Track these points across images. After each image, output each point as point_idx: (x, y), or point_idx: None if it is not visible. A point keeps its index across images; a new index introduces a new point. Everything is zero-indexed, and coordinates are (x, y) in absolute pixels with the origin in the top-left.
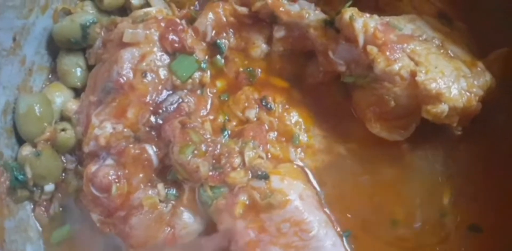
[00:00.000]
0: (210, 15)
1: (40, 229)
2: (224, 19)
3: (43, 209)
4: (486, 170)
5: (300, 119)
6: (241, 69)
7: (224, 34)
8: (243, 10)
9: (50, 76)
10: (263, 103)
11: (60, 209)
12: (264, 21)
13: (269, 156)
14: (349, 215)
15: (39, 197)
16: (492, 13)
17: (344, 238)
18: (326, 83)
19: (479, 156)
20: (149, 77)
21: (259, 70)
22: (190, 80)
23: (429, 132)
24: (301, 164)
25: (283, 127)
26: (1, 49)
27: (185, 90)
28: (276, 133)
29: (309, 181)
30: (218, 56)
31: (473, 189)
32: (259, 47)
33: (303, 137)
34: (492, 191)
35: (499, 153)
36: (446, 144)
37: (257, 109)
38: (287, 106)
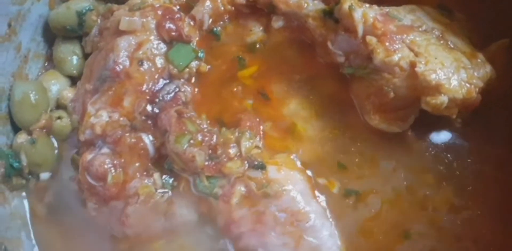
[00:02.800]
0: (208, 3)
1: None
2: (222, 7)
3: (38, 197)
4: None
5: (298, 110)
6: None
7: (221, 22)
8: (241, 0)
9: (46, 64)
10: (261, 93)
11: (55, 197)
12: (262, 10)
13: (266, 146)
14: None
15: (34, 185)
16: (493, 3)
17: None
18: (325, 73)
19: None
20: (145, 66)
21: (246, 59)
22: (187, 69)
23: (429, 124)
24: (298, 154)
25: (281, 117)
26: None
27: (182, 80)
28: (273, 123)
29: (305, 171)
30: (214, 45)
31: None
32: (256, 34)
33: (301, 127)
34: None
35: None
36: (446, 136)
37: (254, 99)
38: (285, 96)
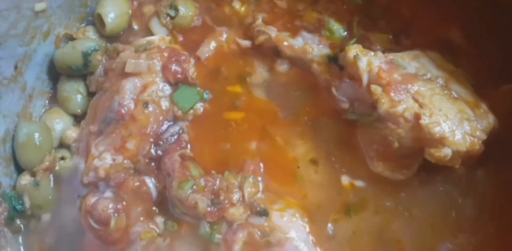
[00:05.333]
0: (213, 43)
1: None
2: (226, 47)
3: (40, 238)
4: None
5: (304, 153)
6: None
7: (226, 62)
8: (246, 43)
9: (47, 101)
10: (265, 135)
11: (56, 238)
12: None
13: (269, 191)
14: None
15: (35, 226)
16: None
17: None
18: (333, 115)
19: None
20: (150, 108)
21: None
22: (191, 111)
23: (432, 169)
24: (302, 199)
25: (285, 160)
26: (2, 78)
27: (186, 121)
28: (277, 166)
29: (309, 217)
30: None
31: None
32: (260, 74)
33: (306, 171)
34: None
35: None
36: (450, 181)
37: (259, 141)
38: (290, 138)
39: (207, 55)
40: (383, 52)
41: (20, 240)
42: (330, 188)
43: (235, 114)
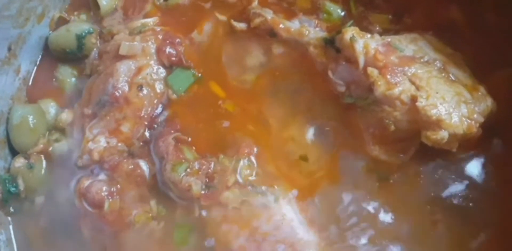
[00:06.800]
0: (207, 25)
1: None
2: (222, 30)
3: (33, 221)
4: None
5: (300, 136)
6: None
7: (221, 44)
8: (242, 26)
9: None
10: (260, 118)
11: (50, 221)
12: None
13: (264, 174)
14: None
15: (29, 208)
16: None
17: None
18: (331, 98)
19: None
20: (144, 91)
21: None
22: (186, 94)
23: (429, 154)
24: (298, 181)
25: (280, 143)
26: None
27: (181, 104)
28: (272, 149)
29: (304, 199)
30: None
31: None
32: (256, 57)
33: (301, 154)
34: None
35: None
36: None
37: (254, 124)
38: (286, 121)
39: (200, 37)
40: (381, 33)
41: (14, 222)
42: (327, 172)
43: (222, 92)
